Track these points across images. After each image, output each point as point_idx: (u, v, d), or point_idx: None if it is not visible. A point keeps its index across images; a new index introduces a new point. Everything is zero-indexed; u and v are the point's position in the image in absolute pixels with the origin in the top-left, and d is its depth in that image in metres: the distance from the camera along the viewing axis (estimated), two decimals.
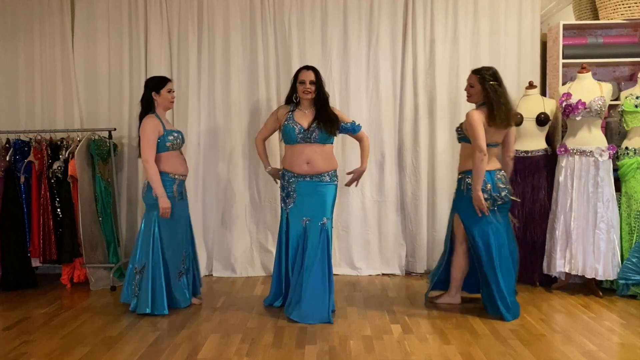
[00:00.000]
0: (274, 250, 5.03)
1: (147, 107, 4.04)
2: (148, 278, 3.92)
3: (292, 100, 4.03)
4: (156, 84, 4.05)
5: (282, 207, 4.07)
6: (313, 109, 3.95)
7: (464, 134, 3.90)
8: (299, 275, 3.86)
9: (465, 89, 3.93)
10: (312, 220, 3.87)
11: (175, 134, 4.05)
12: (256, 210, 5.08)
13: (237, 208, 5.06)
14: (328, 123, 3.88)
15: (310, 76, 3.92)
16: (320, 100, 3.95)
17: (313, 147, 3.88)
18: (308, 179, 3.90)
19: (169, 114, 4.71)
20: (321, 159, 3.90)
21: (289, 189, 3.96)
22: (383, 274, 5.04)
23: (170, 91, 4.07)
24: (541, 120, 4.56)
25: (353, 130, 4.05)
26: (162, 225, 3.95)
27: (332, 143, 4.01)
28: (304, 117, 3.92)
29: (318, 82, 3.94)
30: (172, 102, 4.13)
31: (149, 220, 3.97)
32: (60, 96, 5.13)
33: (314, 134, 3.87)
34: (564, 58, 4.63)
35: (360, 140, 4.16)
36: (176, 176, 4.02)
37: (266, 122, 4.22)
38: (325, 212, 3.89)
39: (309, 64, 4.84)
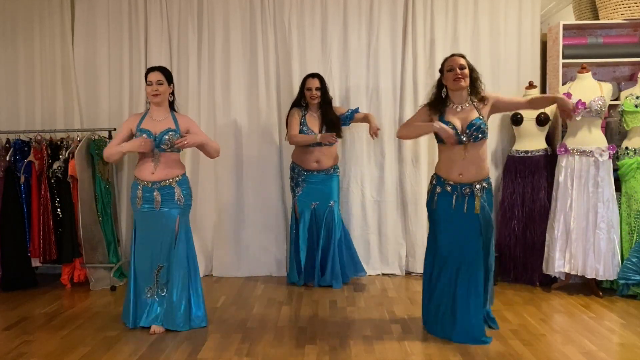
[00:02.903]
0: (274, 250, 5.05)
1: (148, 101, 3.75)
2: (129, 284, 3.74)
3: (300, 103, 4.59)
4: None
5: (292, 196, 4.68)
6: (319, 112, 4.58)
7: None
8: (328, 250, 4.53)
9: (462, 74, 3.45)
10: (320, 204, 4.58)
11: (146, 134, 3.58)
12: (256, 210, 5.07)
13: (237, 208, 5.06)
14: (335, 130, 4.50)
15: (315, 83, 4.53)
16: (325, 102, 4.57)
17: (322, 149, 4.53)
18: (315, 172, 4.57)
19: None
20: (328, 158, 4.59)
21: (298, 180, 4.61)
22: (383, 274, 5.04)
23: (150, 84, 3.64)
24: (541, 120, 4.56)
25: (351, 116, 4.66)
26: (137, 229, 3.71)
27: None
28: (314, 122, 4.56)
29: (323, 88, 4.55)
30: (154, 95, 3.62)
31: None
32: (60, 96, 5.13)
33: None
34: (564, 58, 4.63)
35: (364, 117, 4.63)
36: (139, 181, 3.64)
37: (292, 123, 4.54)
38: (332, 197, 4.60)
39: (309, 64, 4.95)
